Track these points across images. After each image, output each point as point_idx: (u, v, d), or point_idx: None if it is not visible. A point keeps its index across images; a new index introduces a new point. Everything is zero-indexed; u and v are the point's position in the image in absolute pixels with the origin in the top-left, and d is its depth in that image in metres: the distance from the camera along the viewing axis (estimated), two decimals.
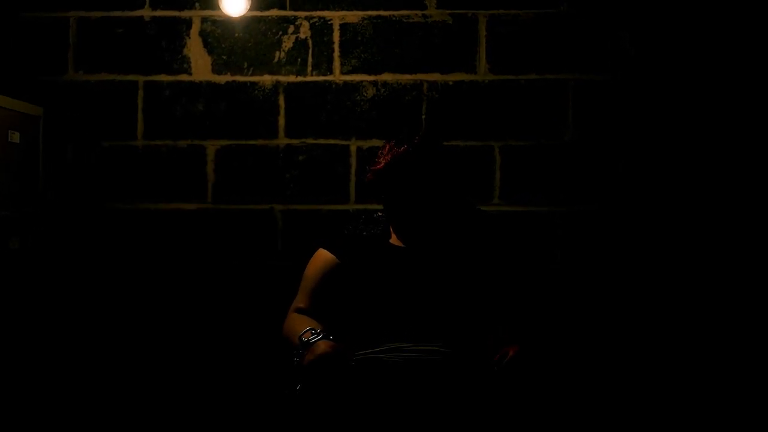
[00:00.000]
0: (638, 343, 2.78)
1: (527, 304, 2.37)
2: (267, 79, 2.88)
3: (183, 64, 2.90)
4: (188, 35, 2.90)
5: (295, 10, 2.87)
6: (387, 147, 2.35)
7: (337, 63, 2.86)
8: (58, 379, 2.85)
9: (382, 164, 2.30)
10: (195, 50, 2.89)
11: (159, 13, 2.90)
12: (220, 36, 2.89)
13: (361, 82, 2.85)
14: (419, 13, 2.85)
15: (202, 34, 2.90)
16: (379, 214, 2.43)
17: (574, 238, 2.82)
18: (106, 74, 2.90)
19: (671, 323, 2.79)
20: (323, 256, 2.39)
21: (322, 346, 2.11)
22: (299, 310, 2.36)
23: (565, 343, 2.59)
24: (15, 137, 2.72)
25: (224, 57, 2.90)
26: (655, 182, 2.81)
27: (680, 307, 2.79)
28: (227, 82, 2.89)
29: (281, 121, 2.86)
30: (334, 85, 2.86)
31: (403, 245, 2.35)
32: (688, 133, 2.80)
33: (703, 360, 2.76)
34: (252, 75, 2.88)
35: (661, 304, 2.79)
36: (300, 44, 2.87)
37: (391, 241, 2.38)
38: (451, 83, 2.85)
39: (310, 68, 2.87)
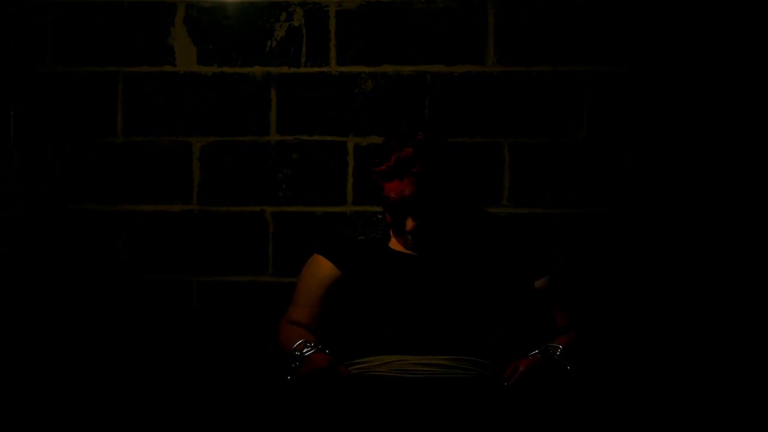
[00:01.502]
0: (655, 354, 2.69)
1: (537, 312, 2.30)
2: (257, 70, 2.76)
3: (167, 55, 2.77)
4: (172, 23, 2.77)
5: None
6: (388, 145, 2.27)
7: (333, 53, 2.75)
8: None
9: (385, 165, 2.23)
10: (180, 39, 2.77)
11: None
12: (207, 24, 2.77)
13: (360, 73, 2.75)
14: None
15: (188, 21, 2.77)
16: (379, 216, 2.38)
17: (590, 245, 2.72)
18: (83, 66, 2.78)
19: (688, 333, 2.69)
20: (321, 265, 2.32)
21: (317, 360, 2.07)
22: (293, 321, 2.29)
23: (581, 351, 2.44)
24: None
25: (211, 47, 2.77)
26: (676, 182, 2.70)
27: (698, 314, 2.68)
28: (214, 74, 2.77)
29: (273, 116, 2.76)
30: (330, 77, 2.76)
31: (404, 250, 2.29)
32: (706, 131, 2.69)
33: (715, 375, 2.66)
34: (241, 66, 2.77)
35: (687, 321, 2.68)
36: (293, 33, 2.76)
37: (390, 245, 2.32)
38: (456, 75, 2.73)
39: (304, 59, 2.76)
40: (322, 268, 2.31)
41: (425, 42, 2.74)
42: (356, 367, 2.17)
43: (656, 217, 2.70)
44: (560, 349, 2.15)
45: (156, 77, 2.77)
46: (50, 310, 2.76)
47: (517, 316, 2.26)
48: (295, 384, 2.06)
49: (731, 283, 2.67)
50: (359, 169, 2.72)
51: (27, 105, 2.75)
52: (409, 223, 2.23)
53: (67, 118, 2.77)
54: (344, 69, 2.75)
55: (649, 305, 2.69)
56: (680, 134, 2.69)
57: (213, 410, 2.71)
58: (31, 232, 2.76)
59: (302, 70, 2.75)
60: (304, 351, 2.10)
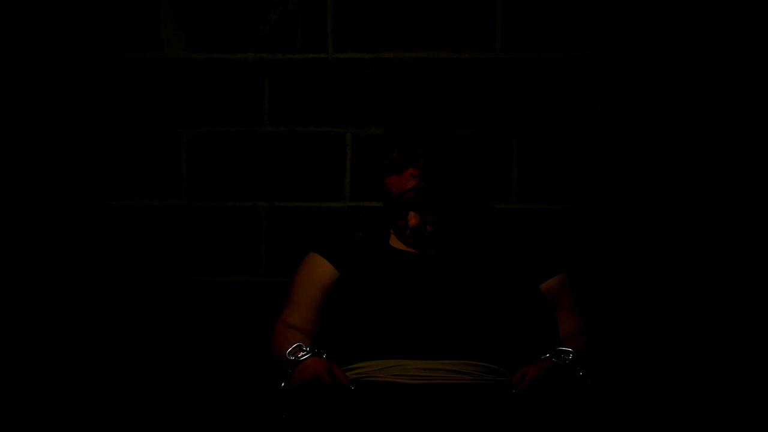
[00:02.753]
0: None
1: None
2: (249, 56, 2.65)
3: (152, 39, 2.66)
4: (158, 5, 2.66)
5: None
6: (389, 137, 2.19)
7: (330, 38, 2.64)
8: None
9: (385, 159, 2.15)
10: (166, 23, 2.66)
11: None
12: (195, 7, 2.65)
13: (359, 60, 2.64)
14: None
15: (175, 4, 2.66)
16: (380, 212, 2.30)
17: (606, 243, 2.61)
18: (66, 54, 2.67)
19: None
20: (318, 264, 2.26)
21: (314, 365, 1.99)
22: (287, 324, 2.23)
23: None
24: None
25: (200, 31, 2.66)
26: (698, 175, 2.58)
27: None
28: (203, 60, 2.66)
29: (266, 105, 2.65)
30: (327, 64, 2.64)
31: (406, 248, 2.22)
32: (733, 123, 2.56)
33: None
34: (232, 52, 2.66)
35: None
36: (287, 16, 2.64)
37: (391, 242, 2.25)
38: (461, 61, 2.62)
39: (299, 44, 2.65)
40: (318, 267, 2.25)
41: (428, 26, 2.63)
42: (354, 372, 2.09)
43: (677, 213, 2.59)
44: (572, 353, 2.06)
45: (140, 63, 2.66)
46: (39, 310, 2.69)
47: (525, 318, 2.18)
48: (289, 391, 1.98)
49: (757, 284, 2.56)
50: (358, 162, 2.63)
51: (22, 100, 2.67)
52: (411, 219, 2.15)
53: (54, 108, 2.68)
54: (342, 55, 2.64)
55: (672, 307, 2.59)
56: (703, 125, 2.58)
57: (202, 418, 2.65)
58: (24, 230, 2.70)
59: (297, 56, 2.64)
60: (299, 356, 2.04)
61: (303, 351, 2.05)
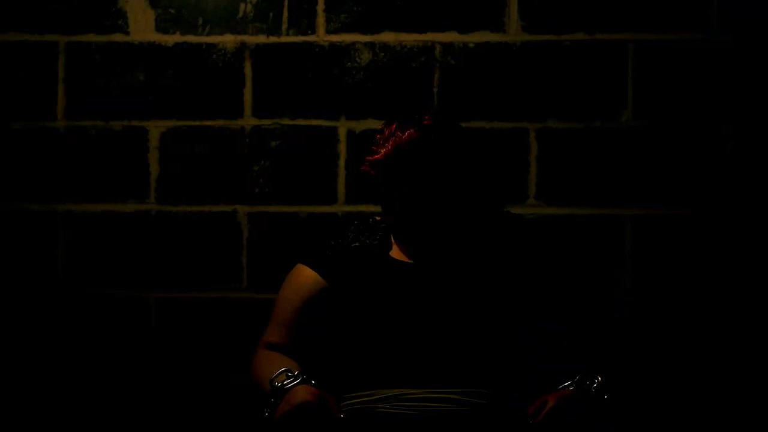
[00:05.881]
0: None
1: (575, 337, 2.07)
2: (229, 39, 2.54)
3: (118, 20, 2.54)
4: None
5: None
6: (388, 130, 2.06)
7: (321, 18, 2.54)
8: None
9: (382, 154, 2.02)
10: (133, 1, 2.54)
11: None
12: None
13: (354, 43, 2.53)
14: None
15: None
16: (377, 218, 2.15)
17: (637, 251, 2.46)
18: (15, 34, 2.55)
19: None
20: (305, 275, 2.12)
21: (301, 393, 1.88)
22: (272, 346, 2.10)
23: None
24: None
25: (172, 11, 2.54)
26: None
27: None
28: (176, 44, 2.54)
29: (247, 95, 2.54)
30: (317, 48, 2.54)
31: (409, 260, 2.06)
32: None
33: None
34: (209, 35, 2.54)
35: None
36: None
37: (392, 254, 2.09)
38: (471, 46, 2.50)
39: (285, 25, 2.54)
40: (307, 281, 2.10)
41: (434, 5, 2.52)
42: (350, 402, 1.93)
43: (730, 218, 2.44)
44: (597, 380, 1.90)
45: (104, 48, 2.54)
46: None
47: (547, 340, 2.03)
48: (274, 423, 1.87)
49: None
50: (352, 161, 2.51)
51: None
52: (417, 229, 2.02)
53: None
54: (335, 38, 2.54)
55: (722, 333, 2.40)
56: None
57: None
58: None
59: (283, 39, 2.55)
60: (285, 383, 1.90)
61: (289, 377, 1.91)
